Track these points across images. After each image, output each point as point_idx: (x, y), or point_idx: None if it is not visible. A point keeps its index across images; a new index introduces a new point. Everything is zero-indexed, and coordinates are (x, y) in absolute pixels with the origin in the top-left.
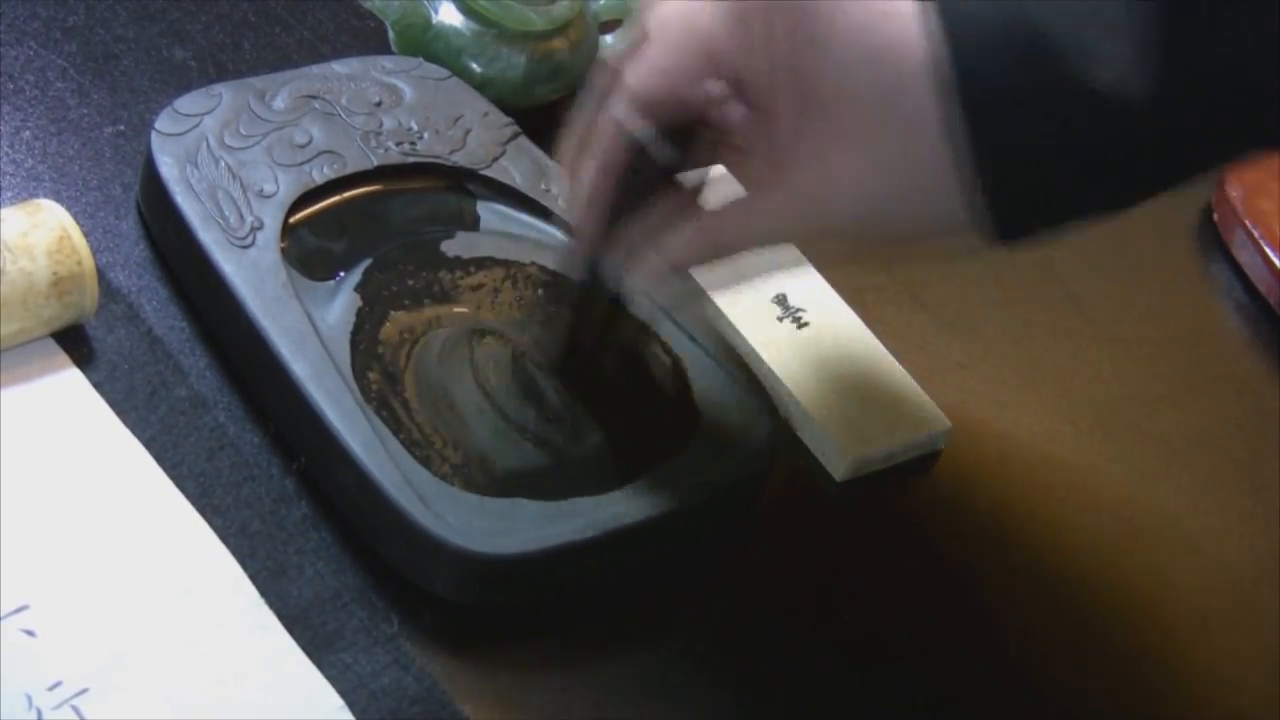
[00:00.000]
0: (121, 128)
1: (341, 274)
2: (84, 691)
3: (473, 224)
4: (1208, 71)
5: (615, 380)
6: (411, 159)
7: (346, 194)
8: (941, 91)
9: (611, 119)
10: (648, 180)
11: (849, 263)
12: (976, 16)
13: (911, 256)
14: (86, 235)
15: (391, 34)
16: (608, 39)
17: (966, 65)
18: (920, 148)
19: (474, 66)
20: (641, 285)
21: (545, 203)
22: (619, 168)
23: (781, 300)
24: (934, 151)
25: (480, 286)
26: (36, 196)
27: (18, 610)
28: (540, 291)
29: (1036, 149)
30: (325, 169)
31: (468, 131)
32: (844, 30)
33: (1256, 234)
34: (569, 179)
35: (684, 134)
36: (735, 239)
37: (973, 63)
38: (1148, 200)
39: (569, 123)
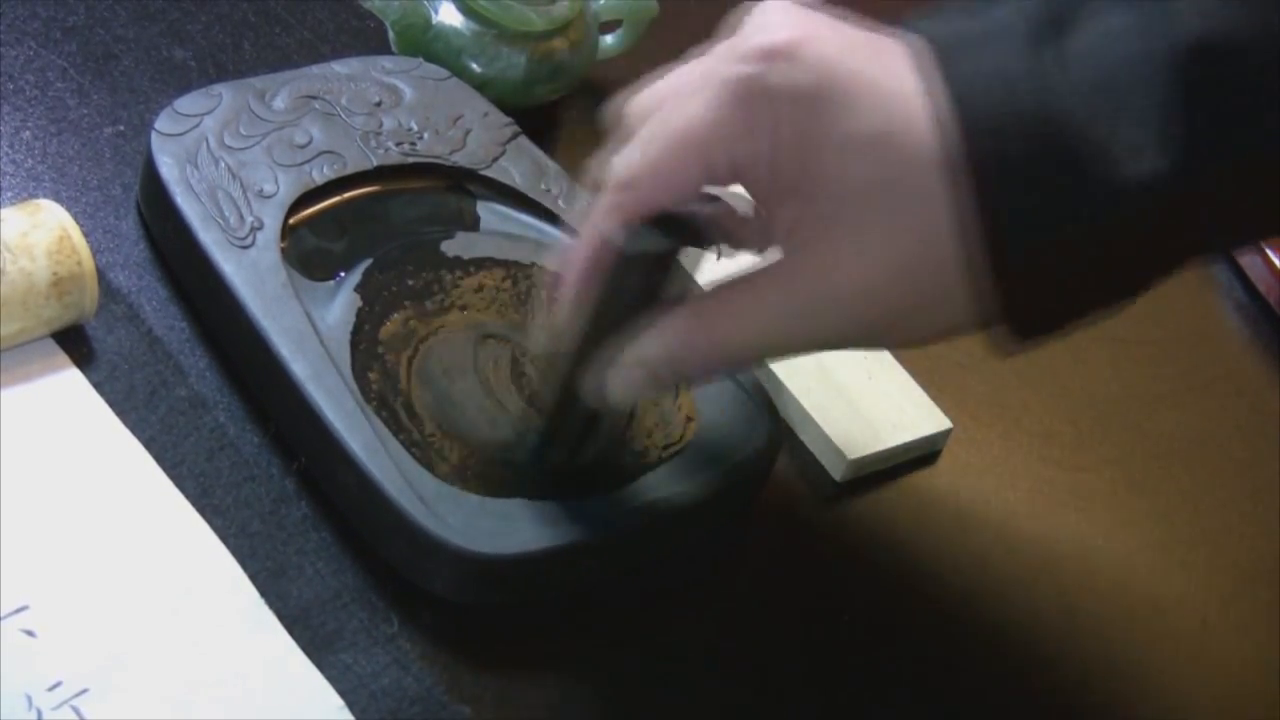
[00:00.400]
0: (121, 128)
1: (341, 274)
2: (84, 691)
3: (473, 224)
4: (1233, 163)
5: None
6: (411, 159)
7: (346, 194)
8: (954, 181)
9: (593, 229)
10: (631, 291)
11: None
12: (991, 105)
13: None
14: (86, 235)
15: (391, 34)
16: (608, 39)
17: (982, 154)
18: (929, 240)
19: (474, 66)
20: (622, 386)
21: (545, 203)
22: (598, 279)
23: None
24: (944, 245)
25: (480, 287)
26: (36, 196)
27: (18, 610)
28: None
29: (1057, 241)
30: (325, 169)
31: (468, 131)
32: (855, 120)
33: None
34: (552, 295)
35: (672, 233)
36: (723, 343)
37: (989, 151)
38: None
39: (564, 247)
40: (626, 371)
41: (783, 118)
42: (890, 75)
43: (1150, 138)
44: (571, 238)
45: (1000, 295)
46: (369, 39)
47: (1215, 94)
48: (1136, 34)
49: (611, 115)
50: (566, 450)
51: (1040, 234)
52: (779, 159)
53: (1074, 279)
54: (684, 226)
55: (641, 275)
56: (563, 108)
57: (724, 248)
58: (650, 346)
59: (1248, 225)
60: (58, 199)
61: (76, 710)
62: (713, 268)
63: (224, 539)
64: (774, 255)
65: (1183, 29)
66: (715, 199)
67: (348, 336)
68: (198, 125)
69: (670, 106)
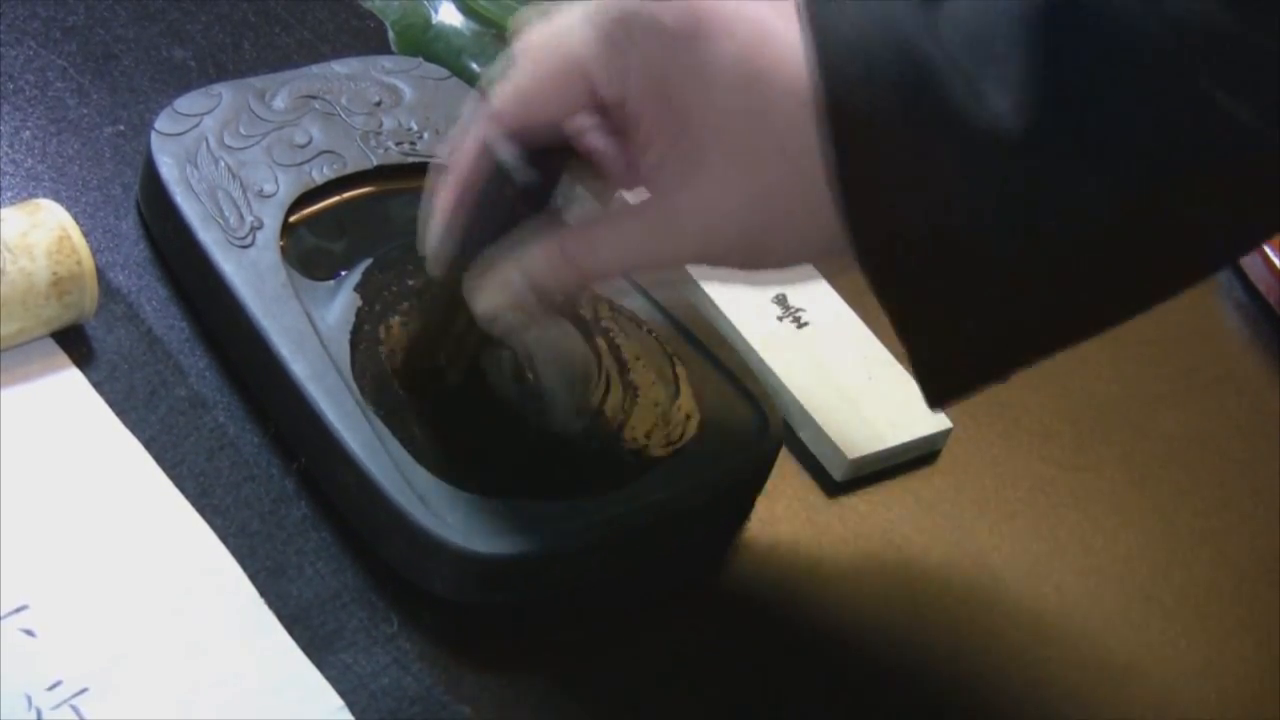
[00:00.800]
0: (121, 128)
1: (341, 274)
2: (84, 691)
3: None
4: (1086, 119)
5: (615, 379)
6: (411, 159)
7: (346, 194)
8: (816, 118)
9: (473, 140)
10: (507, 203)
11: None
12: (854, 41)
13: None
14: (86, 235)
15: (391, 34)
16: None
17: (839, 92)
18: (794, 173)
19: (474, 66)
20: (493, 303)
21: None
22: (476, 188)
23: (781, 300)
24: (805, 174)
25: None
26: (36, 196)
27: (18, 610)
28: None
29: (904, 181)
30: (325, 169)
31: None
32: (721, 56)
33: None
34: (429, 202)
35: (549, 158)
36: (596, 259)
37: (846, 89)
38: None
39: (442, 151)
40: (489, 281)
41: (649, 51)
42: (765, 16)
43: (1006, 91)
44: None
45: (849, 227)
46: (369, 39)
47: (1067, 50)
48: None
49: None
50: (443, 356)
51: (888, 163)
52: (644, 91)
53: (917, 215)
54: (562, 154)
55: (515, 197)
56: None
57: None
58: (513, 263)
59: (1094, 198)
60: (58, 199)
61: (76, 710)
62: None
63: (224, 539)
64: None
65: None
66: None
67: (348, 336)
68: (198, 125)
69: (543, 37)
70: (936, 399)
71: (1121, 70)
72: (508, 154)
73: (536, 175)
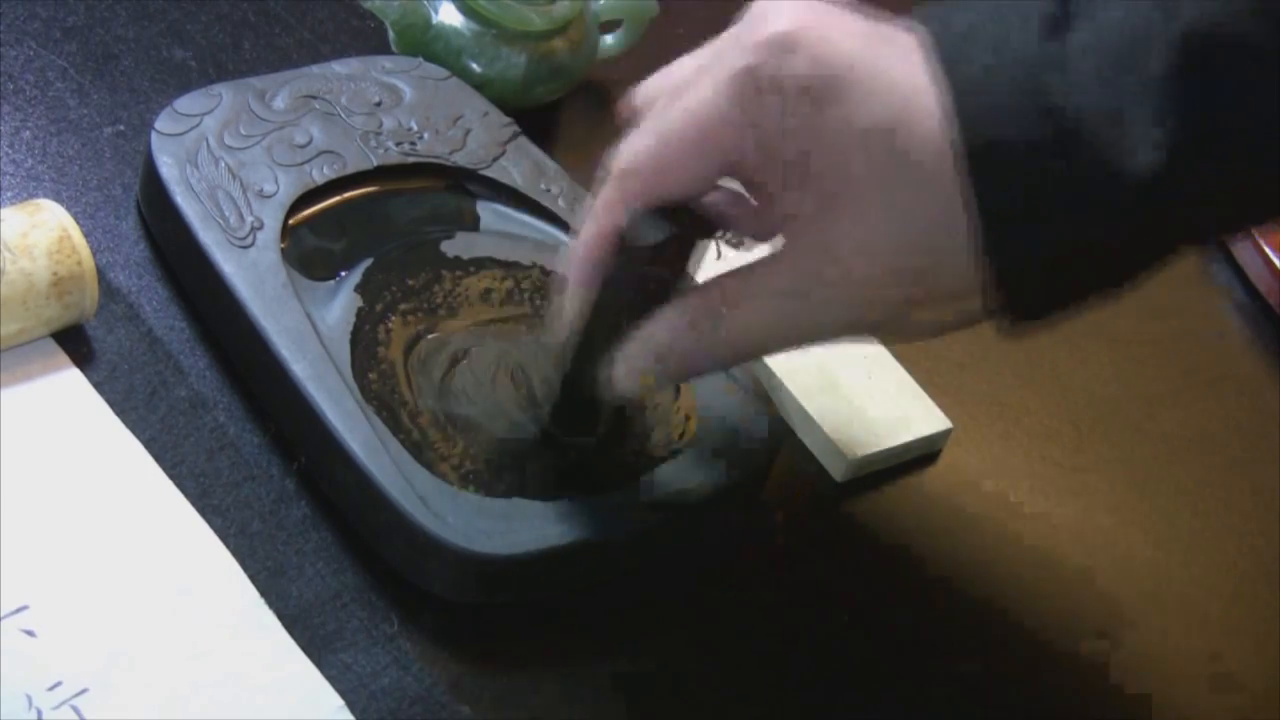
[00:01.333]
0: (121, 128)
1: (342, 274)
2: (84, 691)
3: (473, 224)
4: (1225, 151)
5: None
6: (411, 159)
7: (346, 194)
8: (957, 170)
9: (605, 204)
10: (639, 269)
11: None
12: (991, 97)
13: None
14: (86, 235)
15: (391, 34)
16: (608, 39)
17: (980, 145)
18: (932, 227)
19: (474, 66)
20: (624, 388)
21: (545, 203)
22: (606, 261)
23: None
24: (948, 232)
25: (480, 287)
26: (36, 196)
27: (18, 610)
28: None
29: (1050, 231)
30: (325, 169)
31: (468, 131)
32: (862, 116)
33: (1256, 234)
34: (562, 286)
35: (682, 225)
36: (730, 337)
37: (987, 142)
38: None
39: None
40: (629, 362)
41: (784, 109)
42: (895, 64)
43: (1145, 130)
44: (578, 228)
45: (995, 283)
46: (369, 39)
47: (1209, 82)
48: (1134, 26)
49: (623, 106)
50: (570, 438)
51: (1034, 224)
52: (781, 150)
53: (1067, 269)
54: (687, 216)
55: (644, 263)
56: (563, 108)
57: (729, 237)
58: (653, 337)
59: (1238, 214)
60: (58, 199)
61: (76, 710)
62: (715, 266)
63: (224, 539)
64: (777, 245)
65: (1178, 19)
66: (720, 189)
67: (348, 336)
68: (198, 125)
69: (674, 96)
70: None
71: (1260, 101)
72: (632, 229)
73: (667, 236)
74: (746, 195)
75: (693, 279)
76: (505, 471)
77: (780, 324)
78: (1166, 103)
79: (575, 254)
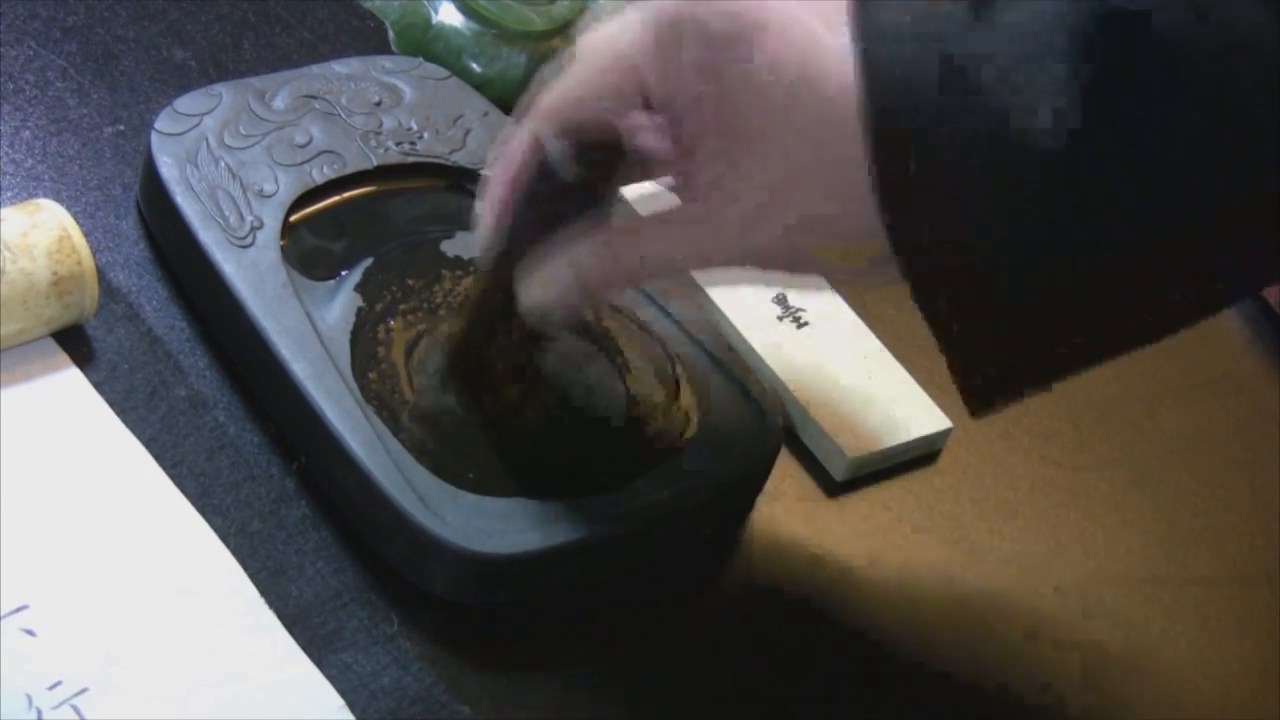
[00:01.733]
0: (121, 128)
1: (342, 274)
2: (84, 691)
3: (473, 224)
4: (1130, 134)
5: (615, 378)
6: (411, 159)
7: (346, 194)
8: (863, 130)
9: (523, 135)
10: (555, 198)
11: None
12: (900, 49)
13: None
14: (86, 235)
15: (391, 34)
16: None
17: (881, 100)
18: (839, 179)
19: (474, 66)
20: (541, 299)
21: None
22: (524, 181)
23: (781, 300)
24: (853, 185)
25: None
26: (36, 196)
27: (18, 610)
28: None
29: (944, 191)
30: (325, 169)
31: (468, 131)
32: (772, 61)
33: None
34: (483, 194)
35: (598, 155)
36: (644, 258)
37: (888, 97)
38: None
39: (495, 144)
40: (538, 277)
41: (699, 53)
42: (811, 14)
43: (1050, 100)
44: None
45: (891, 241)
46: (369, 39)
47: (1118, 61)
48: (1056, 5)
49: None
50: (479, 361)
51: (929, 188)
52: (694, 93)
53: (961, 232)
54: (604, 144)
55: (560, 187)
56: None
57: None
58: (563, 259)
59: (1153, 221)
60: (58, 199)
61: (76, 710)
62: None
63: (224, 539)
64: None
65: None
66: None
67: (348, 336)
68: (198, 125)
69: (598, 34)
70: (978, 407)
71: (1169, 86)
72: (556, 149)
73: (585, 170)
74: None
75: (609, 211)
76: (505, 471)
77: (684, 248)
78: (1073, 75)
79: (495, 178)
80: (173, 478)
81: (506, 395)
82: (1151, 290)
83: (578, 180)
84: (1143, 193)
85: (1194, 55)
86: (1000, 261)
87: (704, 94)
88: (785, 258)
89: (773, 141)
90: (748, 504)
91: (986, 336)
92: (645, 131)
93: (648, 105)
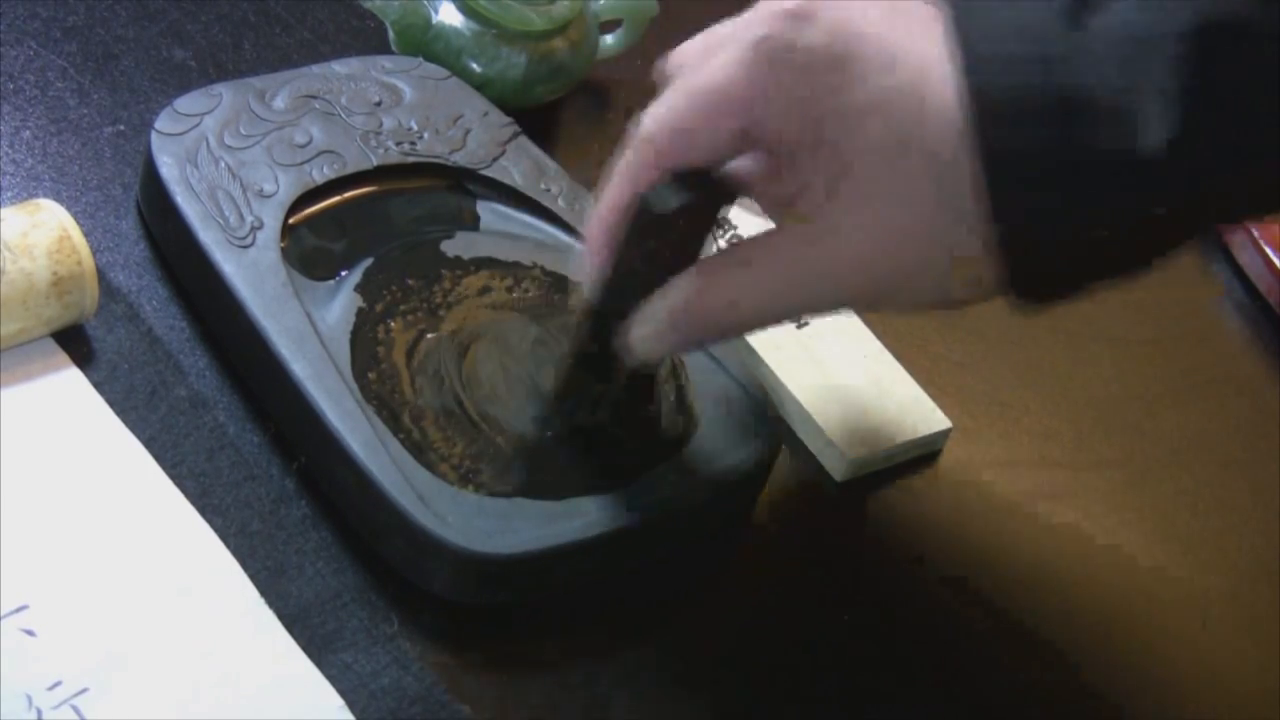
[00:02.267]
0: (121, 128)
1: (342, 274)
2: (84, 691)
3: (473, 224)
4: (1235, 136)
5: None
6: (411, 159)
7: (346, 194)
8: (969, 148)
9: (627, 175)
10: (657, 238)
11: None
12: (1007, 74)
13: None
14: (86, 235)
15: (391, 34)
16: (608, 39)
17: (993, 133)
18: (941, 205)
19: (474, 66)
20: (641, 339)
21: (545, 202)
22: (624, 214)
23: None
24: (957, 211)
25: (480, 286)
26: (36, 196)
27: (18, 610)
28: (555, 296)
29: (1064, 215)
30: (325, 169)
31: (468, 131)
32: (879, 91)
33: (1256, 234)
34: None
35: (705, 197)
36: (734, 300)
37: (995, 123)
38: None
39: (600, 189)
40: (645, 325)
41: (799, 79)
42: (911, 38)
43: (1158, 109)
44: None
45: (1004, 262)
46: (369, 39)
47: (1220, 65)
48: (1151, 13)
49: (655, 71)
50: (580, 407)
51: (1043, 201)
52: (795, 120)
53: (1078, 249)
54: (707, 183)
55: (662, 229)
56: (563, 108)
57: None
58: (662, 303)
59: (1251, 199)
60: (58, 199)
61: (76, 710)
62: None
63: (224, 539)
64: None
65: (1195, 8)
66: (747, 157)
67: (348, 336)
68: (198, 125)
69: (695, 65)
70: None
71: (1267, 85)
72: (651, 196)
73: (685, 203)
74: (762, 171)
75: (713, 246)
76: (505, 471)
77: (783, 294)
78: (1179, 83)
79: (595, 219)
80: (173, 478)
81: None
82: None
83: (681, 220)
84: (1255, 188)
85: None
86: (1115, 274)
87: (809, 126)
88: (881, 292)
89: (877, 168)
90: (748, 504)
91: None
92: (745, 173)
93: (749, 139)
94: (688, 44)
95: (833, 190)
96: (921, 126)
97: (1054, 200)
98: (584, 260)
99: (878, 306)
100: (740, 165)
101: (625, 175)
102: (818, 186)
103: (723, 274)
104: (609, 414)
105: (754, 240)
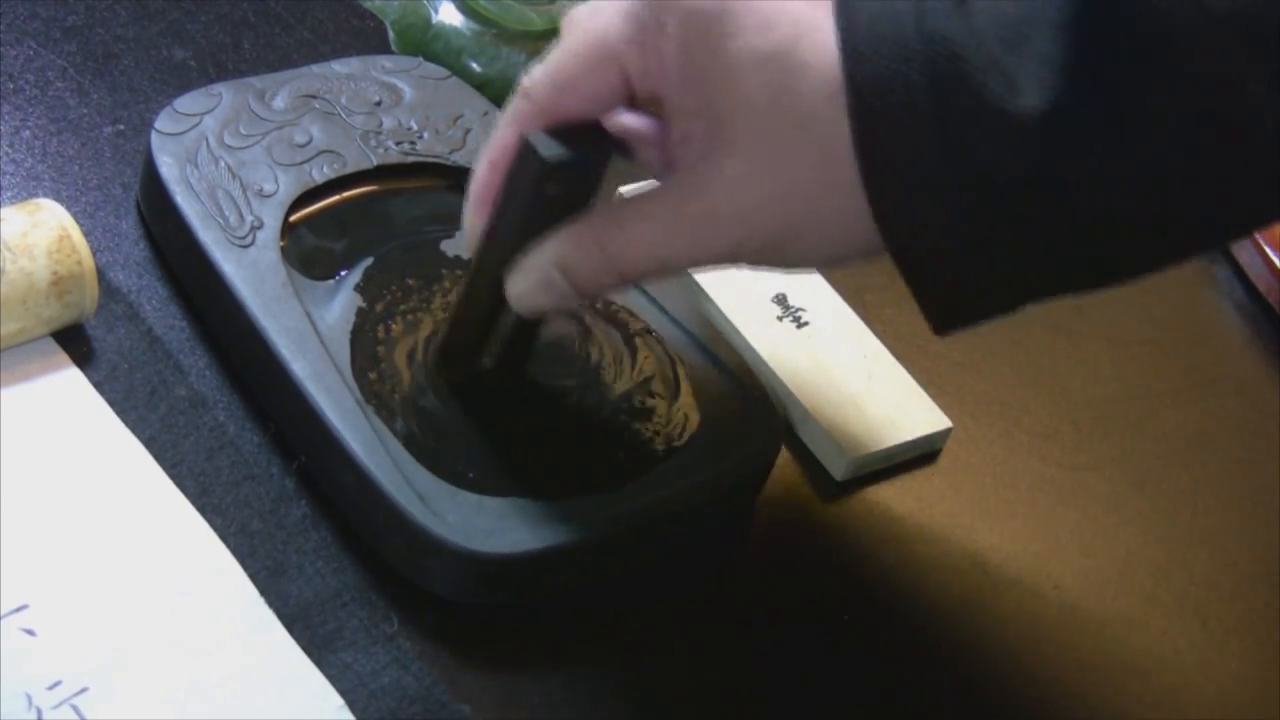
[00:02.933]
0: (121, 128)
1: (342, 273)
2: (84, 691)
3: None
4: (1116, 103)
5: (615, 378)
6: (411, 158)
7: (346, 193)
8: (847, 112)
9: (509, 128)
10: (536, 184)
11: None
12: (884, 33)
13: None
14: (86, 235)
15: (391, 34)
16: None
17: (867, 85)
18: (818, 162)
19: (474, 66)
20: (532, 302)
21: None
22: (510, 176)
23: (781, 300)
24: (834, 168)
25: None
26: (36, 196)
27: (18, 610)
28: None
29: (933, 171)
30: (325, 168)
31: (468, 131)
32: (755, 49)
33: (1256, 234)
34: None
35: (584, 143)
36: (631, 258)
37: (875, 82)
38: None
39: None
40: (523, 274)
41: (677, 35)
42: (799, 8)
43: (1039, 75)
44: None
45: (881, 226)
46: (369, 39)
47: (1106, 38)
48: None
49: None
50: (468, 356)
51: (916, 162)
52: (675, 75)
53: (948, 210)
54: (590, 136)
55: (543, 177)
56: None
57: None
58: (546, 252)
59: (1128, 180)
60: (58, 198)
61: (76, 709)
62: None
63: (224, 538)
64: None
65: None
66: (634, 116)
67: (348, 336)
68: (198, 125)
69: (582, 20)
70: (942, 328)
71: (1155, 58)
72: (538, 134)
73: (566, 153)
74: (645, 128)
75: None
76: (505, 471)
77: (664, 249)
78: (1057, 48)
79: (477, 175)
80: (173, 478)
81: (484, 365)
82: (1138, 235)
83: (558, 162)
84: (1130, 157)
85: (1177, 27)
86: (991, 225)
87: (688, 81)
88: (770, 251)
89: (758, 130)
90: (748, 504)
91: (966, 292)
92: (630, 121)
93: (631, 94)
94: (582, 4)
95: (713, 144)
96: (796, 85)
97: (927, 156)
98: (466, 217)
99: (766, 261)
100: (629, 125)
101: (508, 125)
102: (698, 140)
103: (601, 228)
104: (492, 364)
105: (635, 197)
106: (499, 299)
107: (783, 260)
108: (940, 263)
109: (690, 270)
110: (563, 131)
